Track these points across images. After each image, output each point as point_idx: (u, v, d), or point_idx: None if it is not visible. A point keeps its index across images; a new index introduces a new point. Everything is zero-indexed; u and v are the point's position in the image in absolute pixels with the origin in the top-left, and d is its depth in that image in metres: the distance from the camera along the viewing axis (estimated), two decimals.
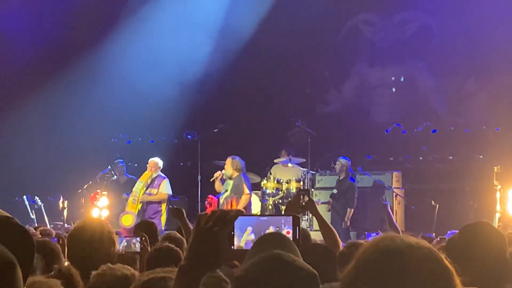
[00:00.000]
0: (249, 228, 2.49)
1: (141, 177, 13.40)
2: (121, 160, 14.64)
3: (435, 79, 17.10)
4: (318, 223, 5.07)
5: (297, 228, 2.59)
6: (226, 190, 12.67)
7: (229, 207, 12.37)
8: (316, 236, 5.57)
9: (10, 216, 2.56)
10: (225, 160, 15.13)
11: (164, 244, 5.17)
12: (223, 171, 12.91)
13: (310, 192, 14.09)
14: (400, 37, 17.45)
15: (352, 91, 17.88)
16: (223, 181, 12.94)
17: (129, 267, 3.66)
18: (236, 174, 12.62)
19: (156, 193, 13.20)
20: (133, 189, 13.33)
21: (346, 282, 1.81)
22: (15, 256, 1.91)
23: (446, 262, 1.81)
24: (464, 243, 3.60)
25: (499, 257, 3.49)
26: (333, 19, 17.33)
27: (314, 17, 16.48)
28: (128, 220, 12.86)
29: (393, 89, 17.51)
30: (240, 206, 12.15)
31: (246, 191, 12.56)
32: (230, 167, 12.64)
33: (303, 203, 4.91)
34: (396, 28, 17.56)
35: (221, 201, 12.76)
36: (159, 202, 13.28)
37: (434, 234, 10.66)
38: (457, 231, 5.81)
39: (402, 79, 17.46)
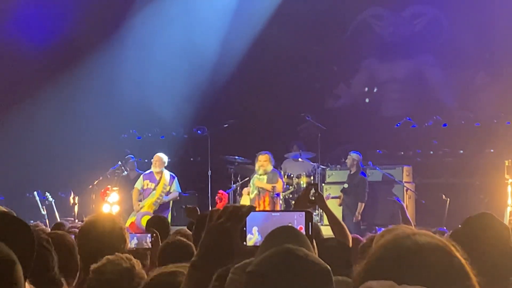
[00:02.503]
0: (255, 228, 2.48)
1: (158, 186, 13.37)
2: (132, 156, 14.65)
3: (445, 73, 17.04)
4: (327, 217, 5.03)
5: (310, 224, 2.57)
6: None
7: (261, 202, 12.45)
8: (327, 230, 5.55)
9: (8, 212, 2.55)
10: (235, 156, 15.17)
11: (176, 238, 5.16)
12: (255, 177, 12.96)
13: (320, 187, 14.09)
14: (409, 32, 17.38)
15: (362, 86, 17.85)
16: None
17: (129, 259, 3.64)
18: (271, 168, 12.81)
19: (169, 190, 13.24)
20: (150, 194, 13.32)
21: (360, 278, 1.79)
22: (16, 252, 1.91)
23: (463, 261, 1.78)
24: (467, 235, 3.56)
25: (504, 249, 3.46)
26: (343, 14, 17.30)
27: (324, 12, 16.45)
28: None
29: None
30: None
31: (280, 188, 12.85)
32: (269, 163, 12.81)
33: (312, 198, 4.89)
34: (406, 23, 17.50)
35: (251, 196, 12.77)
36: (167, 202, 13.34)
37: (445, 228, 10.63)
38: None
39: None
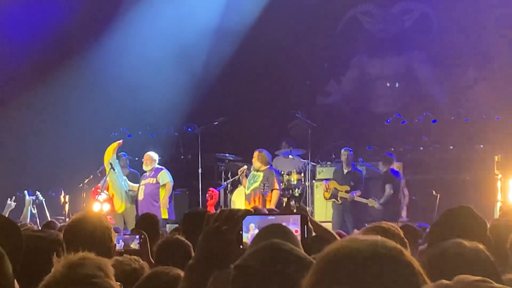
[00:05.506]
0: (252, 225, 2.49)
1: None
2: (125, 153, 14.52)
3: (434, 69, 17.08)
4: (313, 228, 4.97)
5: (306, 227, 2.58)
6: (255, 182, 12.62)
7: (256, 199, 12.33)
8: None
9: None
10: (225, 153, 15.18)
11: (174, 237, 5.11)
12: (248, 167, 12.89)
13: (310, 183, 14.10)
14: (399, 28, 17.42)
15: (352, 82, 17.87)
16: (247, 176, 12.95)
17: (137, 260, 3.66)
18: (264, 167, 12.60)
19: (155, 182, 13.16)
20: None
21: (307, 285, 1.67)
22: (4, 247, 1.93)
23: (414, 264, 1.62)
24: (445, 228, 3.55)
25: (482, 241, 3.44)
26: (332, 11, 17.31)
27: (314, 9, 16.46)
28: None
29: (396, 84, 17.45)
30: (273, 202, 12.16)
31: (276, 186, 12.54)
32: (257, 160, 12.62)
33: (294, 209, 4.85)
34: (395, 19, 17.53)
35: (247, 191, 12.64)
36: (157, 192, 13.18)
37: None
38: None
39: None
